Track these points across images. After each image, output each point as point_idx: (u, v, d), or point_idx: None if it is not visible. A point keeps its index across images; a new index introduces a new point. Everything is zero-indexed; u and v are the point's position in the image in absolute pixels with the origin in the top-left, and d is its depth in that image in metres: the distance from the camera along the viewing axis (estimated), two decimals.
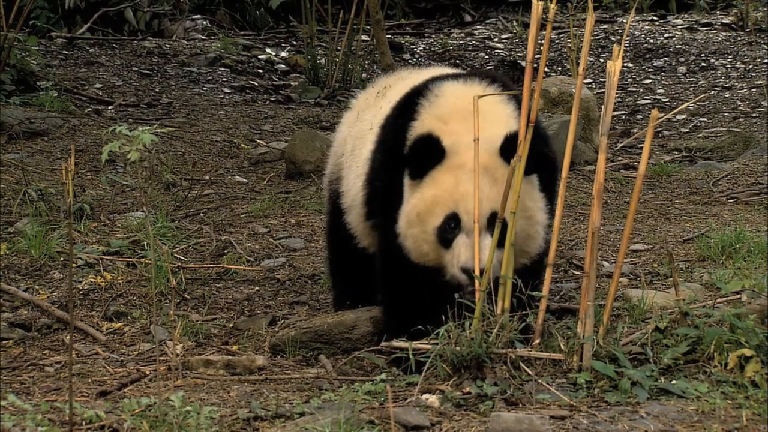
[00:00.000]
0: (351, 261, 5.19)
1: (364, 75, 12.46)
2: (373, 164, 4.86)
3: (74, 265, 5.97)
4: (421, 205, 4.51)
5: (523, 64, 4.10)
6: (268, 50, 13.80)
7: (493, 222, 4.39)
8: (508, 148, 4.45)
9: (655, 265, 6.05)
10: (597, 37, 14.45)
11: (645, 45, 14.24)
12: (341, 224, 5.15)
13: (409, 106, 4.80)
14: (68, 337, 5.00)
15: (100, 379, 4.54)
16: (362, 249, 5.08)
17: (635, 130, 10.48)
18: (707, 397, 4.00)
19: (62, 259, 6.11)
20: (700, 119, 10.90)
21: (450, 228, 4.47)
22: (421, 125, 4.66)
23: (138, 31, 14.10)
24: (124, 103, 10.69)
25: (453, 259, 4.45)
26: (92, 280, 5.89)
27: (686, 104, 5.19)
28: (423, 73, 5.13)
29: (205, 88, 11.94)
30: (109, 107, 10.41)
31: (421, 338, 4.34)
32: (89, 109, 10.14)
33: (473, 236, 4.40)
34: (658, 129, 10.51)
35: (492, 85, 4.81)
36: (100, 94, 11.02)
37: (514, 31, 15.52)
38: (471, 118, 4.50)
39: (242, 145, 9.50)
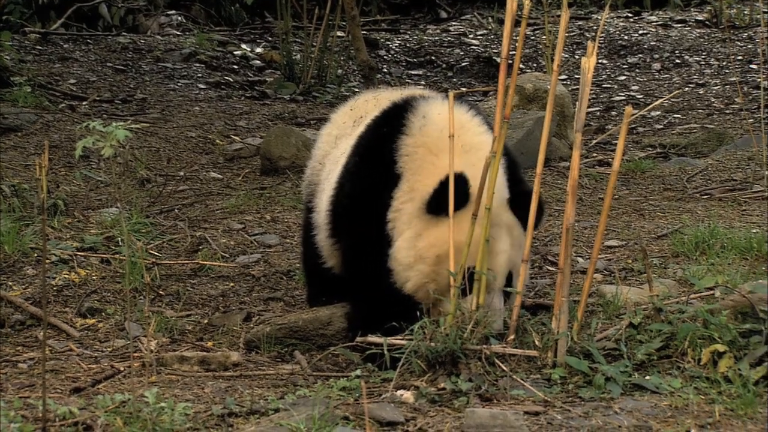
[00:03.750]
0: (324, 271, 5.14)
1: (339, 71, 12.46)
2: (346, 167, 4.85)
3: (48, 261, 5.95)
4: (445, 247, 4.48)
5: (498, 60, 4.12)
6: (243, 46, 13.77)
7: (508, 283, 4.51)
8: (519, 204, 4.54)
9: (630, 261, 6.06)
10: (572, 34, 14.48)
11: (619, 42, 14.28)
12: (313, 236, 5.12)
13: (396, 118, 4.77)
14: (42, 333, 4.98)
15: (73, 376, 4.52)
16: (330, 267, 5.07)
17: (610, 127, 10.52)
18: (680, 392, 4.02)
19: (36, 255, 6.08)
20: (675, 116, 10.94)
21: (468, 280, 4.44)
22: (413, 143, 4.65)
23: (112, 27, 14.05)
24: (98, 98, 10.64)
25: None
26: (66, 276, 5.86)
27: (660, 101, 5.21)
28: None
29: (179, 84, 11.90)
30: (84, 103, 10.37)
31: (393, 335, 4.34)
32: (63, 105, 10.10)
33: (497, 297, 4.47)
34: (633, 125, 10.55)
35: (473, 113, 4.81)
36: (74, 89, 10.97)
37: (490, 27, 15.54)
38: (464, 153, 4.54)
39: (217, 141, 9.48)
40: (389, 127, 4.75)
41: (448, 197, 4.45)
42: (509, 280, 4.54)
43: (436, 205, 4.50)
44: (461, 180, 4.47)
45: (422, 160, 4.60)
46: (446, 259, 4.46)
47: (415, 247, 4.52)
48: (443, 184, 4.47)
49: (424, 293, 4.52)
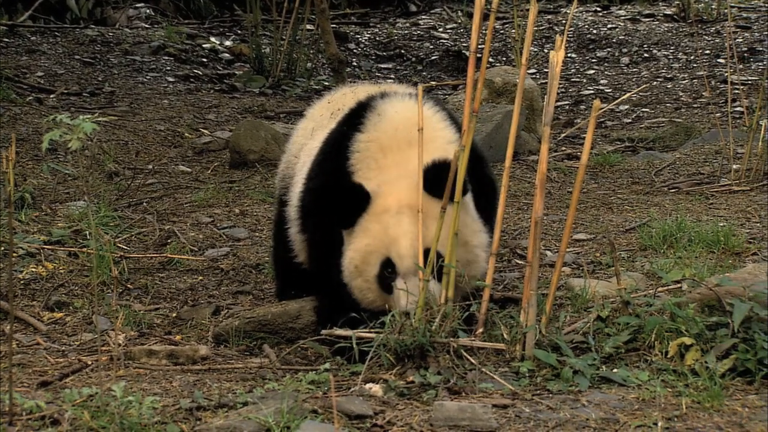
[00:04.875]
0: (294, 265, 5.14)
1: (309, 64, 12.45)
2: (313, 163, 4.87)
3: (15, 254, 5.91)
4: (357, 256, 4.50)
5: (468, 53, 4.13)
6: (212, 39, 13.73)
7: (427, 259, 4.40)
8: (429, 180, 4.42)
9: (598, 255, 6.09)
10: (541, 28, 14.52)
11: (588, 36, 14.33)
12: (285, 231, 5.12)
13: (356, 115, 4.78)
14: (8, 327, 4.95)
15: (41, 370, 4.50)
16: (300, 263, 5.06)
17: (578, 120, 10.56)
18: (648, 385, 4.03)
19: (2, 248, 6.04)
20: (643, 110, 10.99)
21: (388, 273, 4.46)
22: (366, 141, 4.65)
23: (80, 19, 13.98)
24: (66, 91, 10.60)
25: (395, 305, 4.41)
26: (33, 269, 5.83)
27: (628, 94, 5.24)
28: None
29: (148, 77, 11.86)
30: (51, 96, 10.32)
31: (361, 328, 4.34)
32: (30, 98, 10.04)
33: (410, 279, 4.40)
34: (601, 119, 10.58)
35: (437, 109, 4.80)
36: (42, 82, 10.92)
37: (459, 21, 15.56)
38: (406, 148, 4.52)
39: (186, 134, 9.45)
40: (349, 124, 4.76)
41: (347, 211, 4.47)
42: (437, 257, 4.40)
43: (341, 221, 4.54)
44: (353, 188, 4.50)
45: (370, 158, 4.62)
46: (366, 268, 4.47)
47: (345, 266, 4.56)
48: (337, 196, 4.50)
49: (372, 303, 4.54)
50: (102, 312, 5.31)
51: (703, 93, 11.30)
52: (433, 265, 4.34)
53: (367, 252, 4.48)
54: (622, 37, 14.18)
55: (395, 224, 4.43)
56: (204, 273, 6.04)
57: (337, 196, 4.51)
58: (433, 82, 12.10)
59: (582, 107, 11.37)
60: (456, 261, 4.39)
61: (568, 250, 5.94)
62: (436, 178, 4.39)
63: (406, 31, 15.05)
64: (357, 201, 4.48)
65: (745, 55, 12.70)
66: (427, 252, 4.36)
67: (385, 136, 4.64)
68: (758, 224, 6.53)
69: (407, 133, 4.57)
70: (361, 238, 4.49)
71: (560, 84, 12.18)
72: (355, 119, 4.76)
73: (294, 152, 5.34)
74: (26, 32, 12.81)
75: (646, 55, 13.45)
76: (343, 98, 5.26)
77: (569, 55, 13.64)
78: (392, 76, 13.32)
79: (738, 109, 9.93)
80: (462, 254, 4.47)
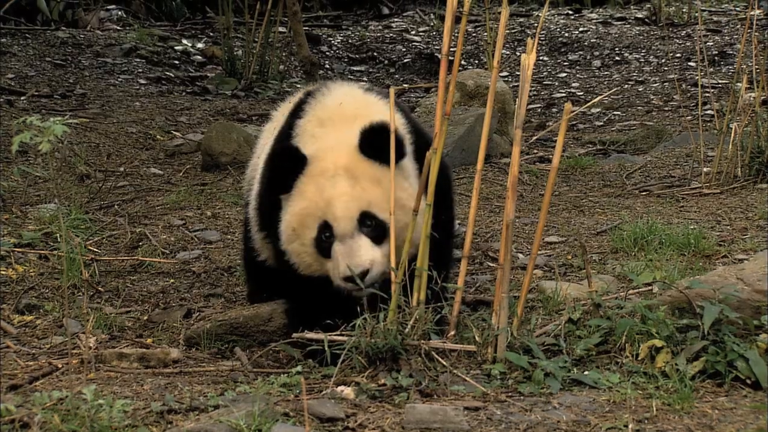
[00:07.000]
0: (262, 266, 5.13)
1: (281, 67, 12.44)
2: (265, 160, 4.89)
3: None
4: (293, 219, 4.49)
5: (440, 56, 4.14)
6: (184, 41, 13.70)
7: (364, 221, 4.39)
8: (363, 142, 4.45)
9: (569, 257, 6.10)
10: (513, 31, 14.55)
11: (560, 39, 14.37)
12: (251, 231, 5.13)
13: (299, 105, 4.83)
14: None
15: (10, 373, 4.47)
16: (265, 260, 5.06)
17: (550, 123, 10.58)
18: (619, 387, 4.05)
19: None
20: (614, 113, 11.03)
21: (326, 237, 4.44)
22: (305, 122, 4.68)
23: (51, 21, 13.93)
24: (37, 93, 10.55)
25: (334, 269, 4.42)
26: (4, 272, 5.80)
27: (600, 97, 5.26)
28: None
29: (120, 79, 11.82)
30: (22, 98, 10.26)
31: (332, 331, 4.33)
32: (1, 100, 9.99)
33: (347, 241, 4.40)
34: (573, 122, 10.62)
35: (375, 93, 4.85)
36: (13, 84, 10.86)
37: (431, 24, 15.58)
38: (346, 120, 4.55)
39: (158, 136, 9.43)
40: (291, 115, 4.81)
41: (283, 174, 4.49)
42: (372, 219, 4.42)
43: (279, 185, 4.54)
44: (289, 151, 4.52)
45: (309, 134, 4.64)
46: (303, 231, 4.47)
47: (282, 230, 4.55)
48: (273, 165, 4.53)
49: (309, 268, 4.54)
50: (73, 315, 5.29)
51: (674, 96, 11.35)
52: (367, 228, 4.38)
53: (303, 215, 4.46)
54: (594, 40, 14.23)
55: (330, 186, 4.43)
56: (175, 276, 6.02)
57: (275, 160, 4.51)
58: (405, 85, 12.12)
59: (554, 110, 11.40)
60: (395, 223, 4.40)
61: (539, 252, 5.96)
62: (371, 140, 4.41)
63: (378, 34, 15.07)
64: (293, 163, 4.48)
65: (716, 58, 12.77)
66: (363, 214, 4.38)
67: (324, 113, 4.68)
68: (728, 227, 6.57)
69: (346, 110, 4.62)
70: (297, 201, 4.48)
71: (532, 87, 12.22)
72: (298, 108, 4.82)
73: (258, 154, 5.37)
74: None
75: (617, 58, 13.51)
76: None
77: (541, 58, 13.68)
78: (365, 78, 13.33)
79: (708, 112, 9.98)
80: (400, 217, 4.45)
